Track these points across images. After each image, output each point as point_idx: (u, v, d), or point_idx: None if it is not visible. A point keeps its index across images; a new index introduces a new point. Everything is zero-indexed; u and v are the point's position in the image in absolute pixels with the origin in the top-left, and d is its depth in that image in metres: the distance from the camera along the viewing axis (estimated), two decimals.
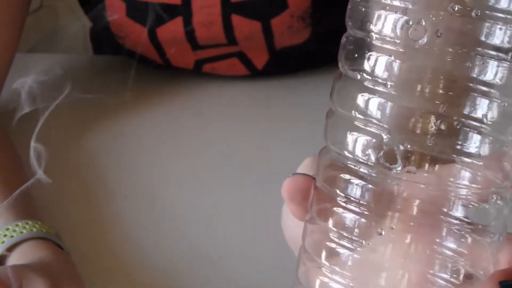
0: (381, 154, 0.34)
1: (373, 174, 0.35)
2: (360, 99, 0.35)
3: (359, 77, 0.35)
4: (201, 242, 0.64)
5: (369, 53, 0.35)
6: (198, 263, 0.61)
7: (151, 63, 0.86)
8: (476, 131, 0.34)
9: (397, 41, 0.34)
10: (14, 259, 0.54)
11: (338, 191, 0.36)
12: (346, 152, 0.35)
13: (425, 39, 0.33)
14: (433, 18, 0.33)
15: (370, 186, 0.35)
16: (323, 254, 0.36)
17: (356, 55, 0.35)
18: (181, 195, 0.70)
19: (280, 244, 0.63)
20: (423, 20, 0.33)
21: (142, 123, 0.80)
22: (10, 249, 0.54)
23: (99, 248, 0.63)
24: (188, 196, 0.70)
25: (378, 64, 0.34)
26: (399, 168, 0.34)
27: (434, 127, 0.34)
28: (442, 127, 0.34)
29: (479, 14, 0.33)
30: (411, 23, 0.33)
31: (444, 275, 0.35)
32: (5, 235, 0.55)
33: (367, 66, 0.35)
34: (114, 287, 0.59)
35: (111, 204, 0.68)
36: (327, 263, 0.36)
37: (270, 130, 0.80)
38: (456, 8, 0.33)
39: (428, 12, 0.33)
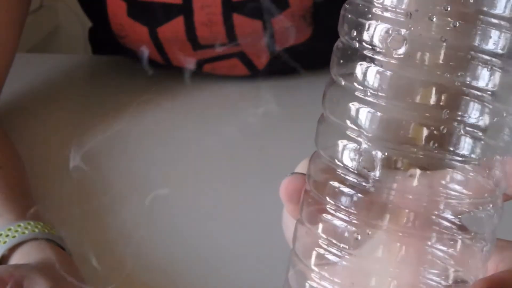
0: (361, 160, 0.34)
1: (362, 183, 0.35)
2: (349, 108, 0.35)
3: (347, 84, 0.35)
4: (201, 242, 0.64)
5: (357, 62, 0.35)
6: (198, 263, 0.61)
7: (152, 63, 0.86)
8: (467, 138, 0.34)
9: (382, 51, 0.34)
10: (16, 259, 0.54)
11: (327, 198, 0.36)
12: (335, 159, 0.36)
13: (403, 49, 0.33)
14: (412, 28, 0.33)
15: (358, 194, 0.35)
16: (312, 259, 0.36)
17: (345, 62, 0.35)
18: (181, 195, 0.70)
19: (280, 244, 0.63)
20: (402, 30, 0.33)
21: (142, 123, 0.80)
22: (12, 249, 0.54)
23: (99, 248, 0.63)
24: (188, 196, 0.69)
25: (365, 73, 0.34)
26: (377, 174, 0.34)
27: (423, 136, 0.34)
28: (431, 135, 0.34)
29: (457, 25, 0.33)
30: (390, 32, 0.34)
31: (435, 278, 0.35)
32: (7, 235, 0.55)
33: (355, 74, 0.35)
34: (114, 287, 0.59)
35: (111, 204, 0.68)
36: (316, 269, 0.36)
37: (270, 130, 0.80)
38: (434, 19, 0.33)
39: (408, 22, 0.33)
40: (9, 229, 0.55)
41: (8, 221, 0.57)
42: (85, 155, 0.75)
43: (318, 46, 0.85)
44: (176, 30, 0.80)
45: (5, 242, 0.54)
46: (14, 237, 0.54)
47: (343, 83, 0.35)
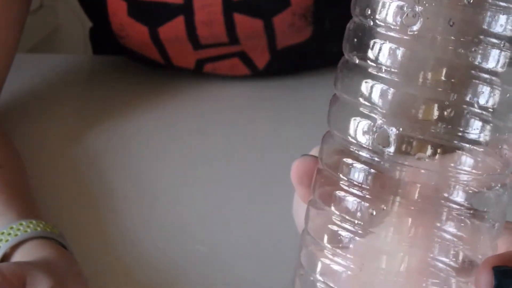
0: (375, 137, 0.35)
1: (375, 159, 0.35)
2: (362, 85, 0.35)
3: (361, 62, 0.36)
4: (202, 242, 0.64)
5: (371, 40, 0.35)
6: (199, 263, 0.61)
7: (152, 63, 0.86)
8: (477, 118, 0.34)
9: (396, 28, 0.34)
10: (18, 258, 0.54)
11: (341, 175, 0.36)
12: (348, 137, 0.36)
13: (418, 26, 0.34)
14: (427, 5, 0.34)
15: (372, 170, 0.35)
16: (325, 237, 0.37)
17: (358, 41, 0.36)
18: (182, 195, 0.70)
19: (282, 244, 0.63)
20: (416, 6, 0.34)
21: (142, 123, 0.80)
22: (14, 247, 0.54)
23: (99, 248, 0.63)
24: (189, 196, 0.70)
25: (379, 50, 0.35)
26: (392, 151, 0.35)
27: (435, 113, 0.34)
28: (443, 113, 0.34)
29: (471, 1, 0.33)
30: (405, 9, 0.34)
31: (444, 259, 0.35)
32: (9, 234, 0.55)
33: (369, 52, 0.35)
34: (114, 287, 0.59)
35: (111, 204, 0.68)
36: (329, 246, 0.36)
37: (271, 130, 0.80)
38: None
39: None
40: (11, 228, 0.55)
41: (10, 220, 0.57)
42: (85, 155, 0.75)
43: (319, 46, 0.86)
44: (176, 30, 0.80)
45: (7, 241, 0.54)
46: (16, 235, 0.55)
47: (357, 61, 0.36)
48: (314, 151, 0.41)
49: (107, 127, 0.79)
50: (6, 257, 0.54)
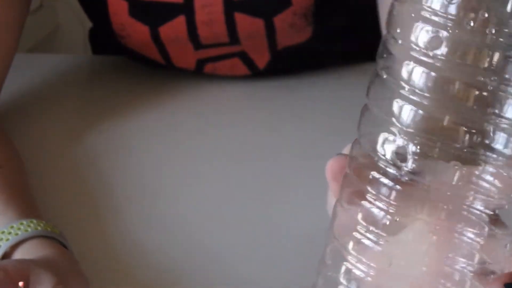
0: (396, 151, 0.36)
1: (397, 173, 0.37)
2: (389, 102, 0.37)
3: (389, 79, 0.37)
4: (202, 242, 0.64)
5: (401, 60, 0.36)
6: (199, 263, 0.61)
7: (152, 63, 0.86)
8: (502, 135, 0.35)
9: (422, 51, 0.36)
10: (18, 256, 0.54)
11: (367, 187, 0.38)
12: (373, 149, 0.38)
13: (443, 49, 0.35)
14: (450, 31, 0.35)
15: (392, 183, 0.37)
16: (350, 243, 0.38)
17: (388, 58, 0.38)
18: (182, 196, 0.70)
19: (282, 244, 0.63)
20: (443, 32, 0.35)
21: (142, 123, 0.80)
22: (15, 247, 0.54)
23: (99, 248, 0.63)
24: (189, 197, 0.70)
25: (405, 70, 0.36)
26: (410, 166, 0.36)
27: (460, 132, 0.35)
28: (469, 132, 0.35)
29: (493, 32, 0.34)
30: (431, 33, 0.35)
31: (466, 267, 0.36)
32: (9, 233, 0.55)
33: (398, 71, 0.37)
34: (114, 287, 0.59)
35: (111, 204, 0.68)
36: (354, 252, 0.38)
37: (271, 130, 0.80)
38: (472, 24, 0.35)
39: (450, 25, 0.35)
40: (12, 227, 0.55)
41: (10, 219, 0.57)
42: (85, 155, 0.75)
43: (319, 46, 0.86)
44: (177, 30, 0.80)
45: (7, 240, 0.54)
46: (16, 234, 0.55)
47: (385, 76, 0.37)
48: (347, 147, 0.42)
49: (107, 127, 0.79)
50: (6, 256, 0.54)
